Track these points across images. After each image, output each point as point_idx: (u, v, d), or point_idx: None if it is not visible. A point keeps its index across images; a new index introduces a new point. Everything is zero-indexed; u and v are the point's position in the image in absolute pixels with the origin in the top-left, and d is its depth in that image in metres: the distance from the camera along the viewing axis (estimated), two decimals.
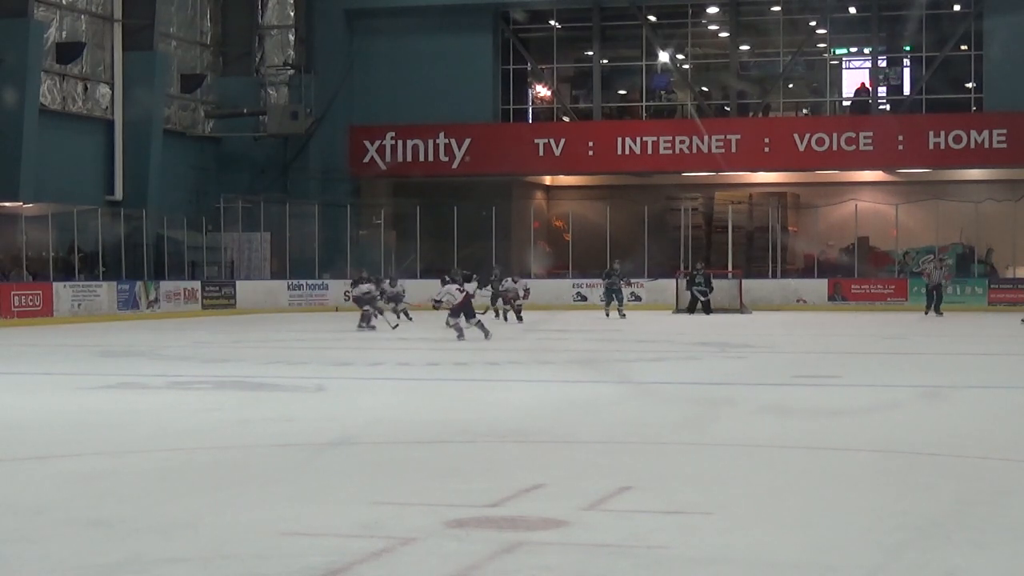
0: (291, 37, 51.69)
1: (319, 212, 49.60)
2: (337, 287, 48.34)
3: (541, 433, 13.80)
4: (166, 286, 43.01)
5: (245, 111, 50.78)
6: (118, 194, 44.64)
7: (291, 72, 51.46)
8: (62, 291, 39.20)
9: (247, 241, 49.42)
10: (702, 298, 41.69)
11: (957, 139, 48.34)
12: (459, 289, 28.68)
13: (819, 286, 46.11)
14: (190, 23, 49.87)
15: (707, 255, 49.90)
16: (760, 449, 12.61)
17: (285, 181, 51.25)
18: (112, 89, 45.01)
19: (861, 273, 46.37)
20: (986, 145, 48.14)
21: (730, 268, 45.61)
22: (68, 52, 43.17)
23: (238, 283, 46.95)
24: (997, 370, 21.87)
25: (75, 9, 43.88)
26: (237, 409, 16.26)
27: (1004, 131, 47.82)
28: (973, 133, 48.27)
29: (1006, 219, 47.18)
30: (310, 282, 48.59)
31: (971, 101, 49.96)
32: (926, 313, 36.48)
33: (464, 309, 28.44)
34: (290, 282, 48.29)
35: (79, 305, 39.34)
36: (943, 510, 9.48)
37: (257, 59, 51.98)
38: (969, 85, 49.97)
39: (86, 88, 44.54)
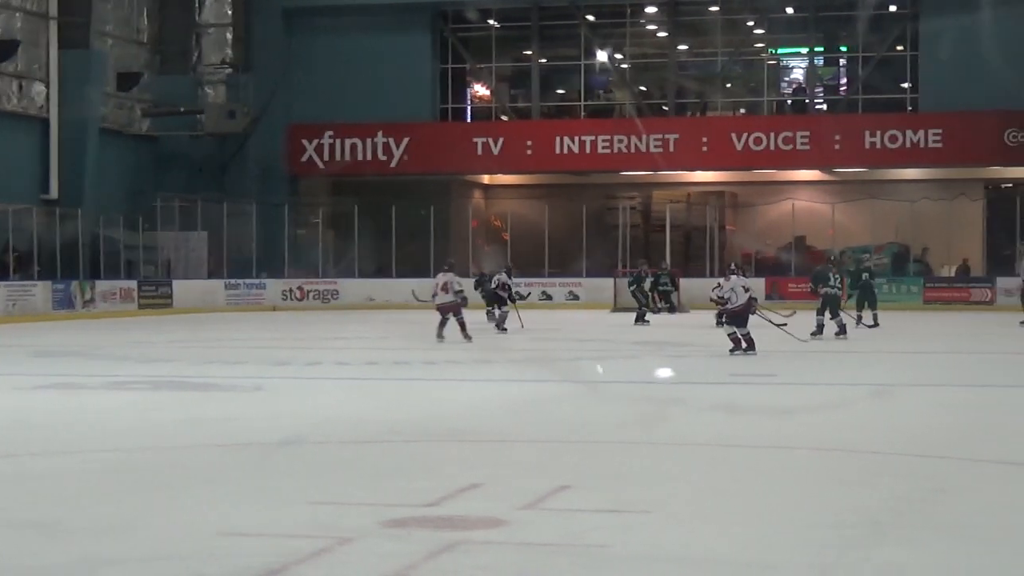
0: (229, 35, 51.44)
1: (257, 211, 49.40)
2: (274, 286, 48.24)
3: (480, 432, 13.82)
4: (102, 285, 42.67)
5: (182, 110, 50.47)
6: (53, 193, 44.29)
7: (229, 71, 51.21)
8: None
9: (184, 240, 49.13)
10: (667, 288, 42.03)
11: (893, 139, 48.65)
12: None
13: (756, 285, 46.20)
14: (127, 21, 49.50)
15: (645, 255, 50.00)
16: (701, 448, 12.67)
17: (223, 180, 50.98)
18: (47, 87, 44.65)
19: (798, 272, 46.54)
20: (921, 145, 48.47)
21: (668, 267, 45.69)
22: (3, 50, 42.75)
23: (175, 282, 46.64)
24: (935, 368, 22.02)
25: (9, 7, 43.49)
26: (175, 409, 16.20)
27: (939, 131, 48.16)
28: (909, 133, 48.58)
29: (941, 218, 47.55)
30: (248, 281, 48.37)
31: (907, 101, 50.28)
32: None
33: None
34: (227, 281, 48.04)
35: (13, 305, 38.99)
36: (880, 508, 9.56)
37: (194, 57, 51.69)
38: (905, 85, 50.29)
39: (21, 86, 44.18)
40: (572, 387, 19.30)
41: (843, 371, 21.55)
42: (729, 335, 23.73)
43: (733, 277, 24.29)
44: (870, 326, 31.17)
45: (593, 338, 30.12)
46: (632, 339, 29.46)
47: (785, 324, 26.69)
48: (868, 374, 20.90)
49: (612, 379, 20.42)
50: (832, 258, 34.75)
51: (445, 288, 27.45)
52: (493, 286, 32.73)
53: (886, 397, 17.30)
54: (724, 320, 24.43)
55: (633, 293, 37.68)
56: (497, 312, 32.28)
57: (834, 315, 27.98)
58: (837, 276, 28.91)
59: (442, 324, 27.53)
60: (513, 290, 32.95)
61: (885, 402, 16.90)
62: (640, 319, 35.78)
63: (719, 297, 24.26)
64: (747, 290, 23.95)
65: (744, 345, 23.43)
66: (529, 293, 37.94)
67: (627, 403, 17.08)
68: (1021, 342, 28.68)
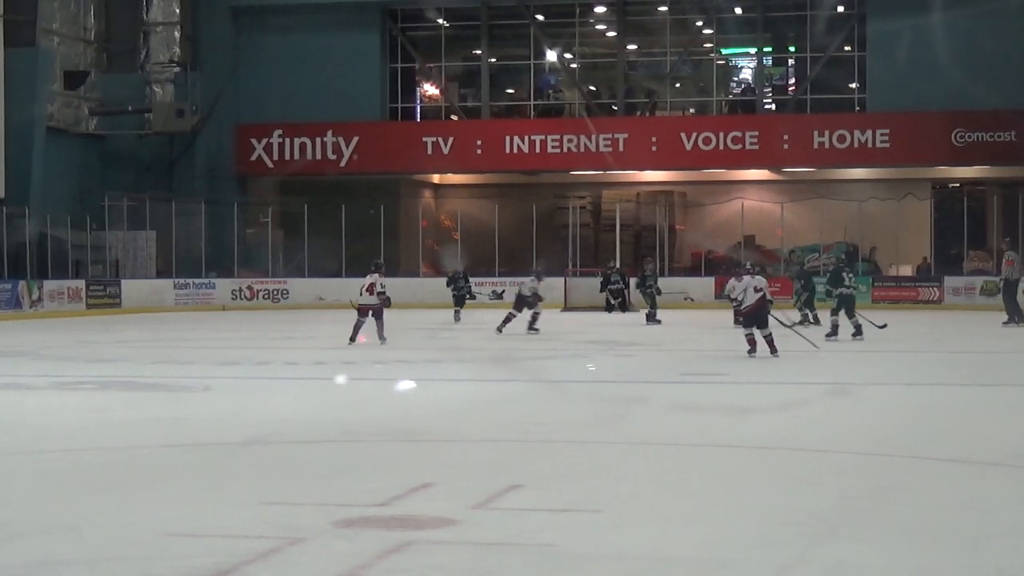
0: (176, 34, 51.24)
1: (205, 211, 49.24)
2: (224, 286, 48.07)
3: (430, 432, 13.80)
4: (49, 285, 42.41)
5: (130, 108, 50.24)
6: (0, 192, 43.99)
7: (177, 69, 51.00)
8: None
9: (132, 240, 48.92)
10: (619, 287, 42.17)
11: (841, 139, 48.90)
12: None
13: (706, 284, 46.34)
14: (73, 19, 49.22)
15: (595, 254, 50.12)
16: (654, 447, 12.69)
17: (171, 179, 50.82)
18: None
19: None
20: (869, 145, 48.74)
21: (618, 266, 45.73)
22: None
23: (123, 282, 46.42)
24: (890, 366, 22.09)
25: None
26: (123, 409, 16.10)
27: (887, 131, 48.44)
28: (857, 133, 48.84)
29: (889, 218, 47.81)
30: (197, 281, 48.19)
31: (855, 101, 50.54)
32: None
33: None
34: (176, 281, 47.86)
35: None
36: (829, 506, 9.59)
37: (142, 56, 51.48)
38: (853, 85, 50.54)
39: None
40: (525, 386, 19.32)
41: (803, 370, 21.58)
42: (746, 336, 22.99)
43: (746, 277, 23.52)
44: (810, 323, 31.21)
45: (544, 337, 30.11)
46: (583, 338, 29.48)
47: (798, 323, 26.87)
48: (828, 373, 20.92)
49: (565, 378, 20.41)
50: (791, 255, 34.81)
51: (370, 289, 26.53)
52: (528, 294, 31.40)
53: (842, 396, 17.36)
54: (740, 321, 23.75)
55: (643, 293, 37.20)
56: (529, 313, 31.39)
57: (850, 316, 27.31)
58: (851, 276, 28.38)
59: (358, 326, 26.46)
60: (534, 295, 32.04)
61: (841, 401, 16.96)
62: (651, 318, 35.34)
63: (732, 298, 23.65)
64: (758, 290, 23.00)
65: (769, 348, 22.67)
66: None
67: (579, 402, 17.08)
68: (972, 340, 28.80)
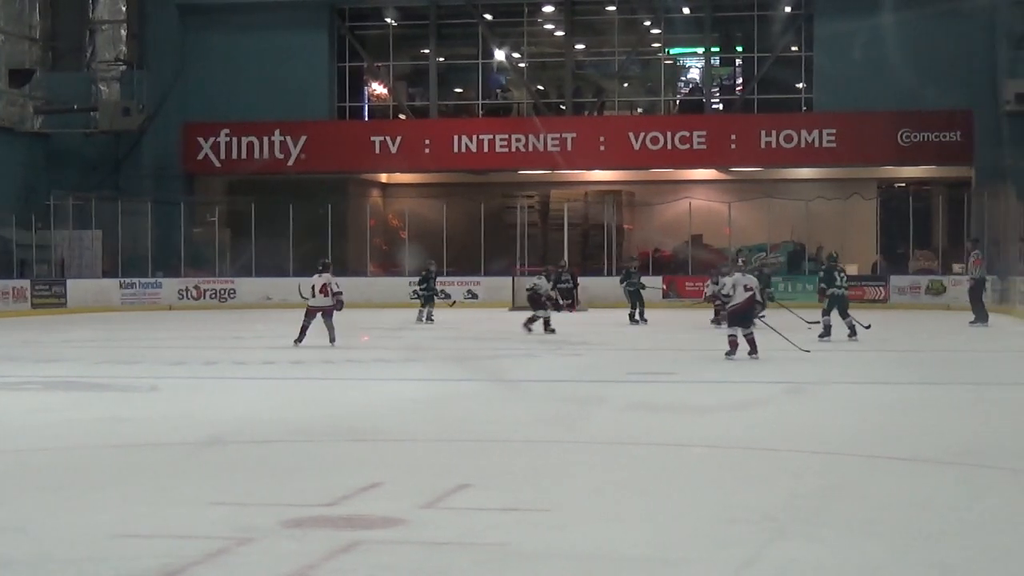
0: (123, 32, 50.92)
1: (152, 210, 49.00)
2: (170, 286, 47.86)
3: (380, 431, 13.78)
4: None
5: (76, 107, 49.93)
6: None
7: (123, 68, 50.70)
8: None
9: (78, 239, 48.63)
10: (568, 286, 42.23)
11: (788, 138, 49.09)
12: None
13: (654, 283, 46.51)
14: (18, 17, 48.87)
15: (543, 253, 50.12)
16: (603, 446, 12.70)
17: (117, 178, 50.53)
18: None
19: (695, 270, 46.82)
20: (816, 145, 48.94)
21: (567, 265, 45.78)
22: None
23: (69, 282, 46.14)
24: (844, 366, 22.13)
25: None
26: (69, 410, 16.00)
27: (833, 131, 48.65)
28: (803, 133, 49.03)
29: (835, 217, 48.06)
30: (143, 280, 47.96)
31: (802, 101, 50.73)
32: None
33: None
34: (122, 281, 47.62)
35: None
36: (777, 504, 9.62)
37: (88, 54, 51.16)
38: (800, 85, 50.74)
39: None
40: (476, 385, 19.29)
41: (756, 370, 21.59)
42: (728, 336, 22.34)
43: (737, 274, 22.83)
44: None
45: (494, 336, 30.12)
46: (532, 337, 29.49)
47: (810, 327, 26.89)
48: (781, 373, 20.91)
49: (517, 378, 20.39)
50: (738, 257, 34.67)
51: (324, 291, 25.67)
52: (542, 293, 31.04)
53: (795, 395, 17.41)
54: (725, 320, 23.05)
55: (627, 292, 36.86)
56: (555, 310, 30.72)
57: (843, 316, 26.91)
58: (844, 276, 28.04)
59: (306, 328, 25.51)
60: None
61: (794, 400, 17.03)
62: (638, 318, 34.86)
63: (723, 295, 22.93)
64: (748, 289, 22.32)
65: (750, 349, 22.07)
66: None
67: (533, 402, 17.09)
68: (919, 339, 28.92)
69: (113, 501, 9.71)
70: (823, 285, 27.62)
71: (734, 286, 22.36)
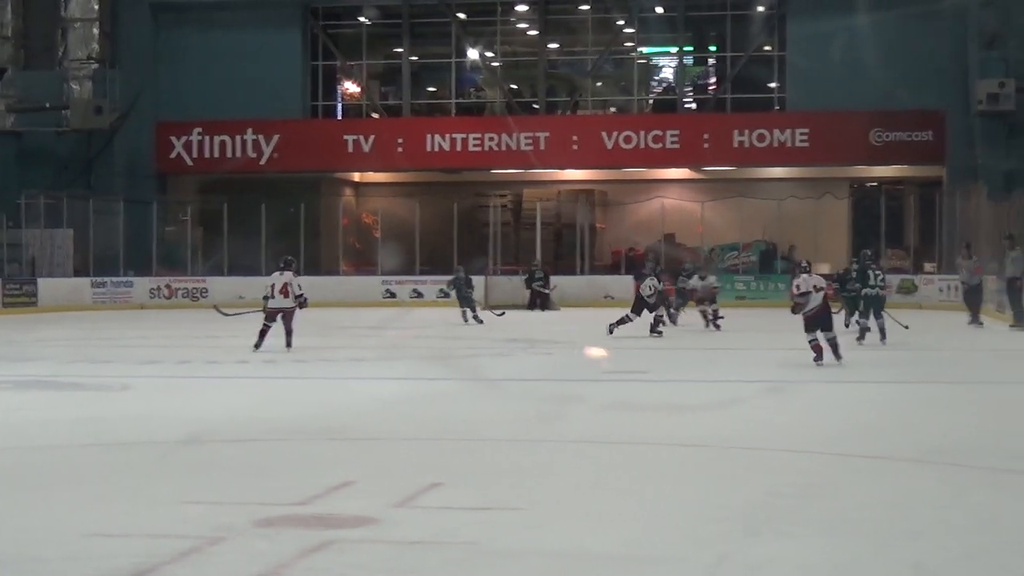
0: (95, 30, 50.73)
1: (124, 209, 48.78)
2: (142, 284, 47.74)
3: (353, 430, 13.78)
4: None
5: (47, 105, 49.76)
6: None
7: (95, 66, 50.51)
8: None
9: (49, 238, 48.41)
10: (543, 290, 42.43)
11: (761, 138, 49.18)
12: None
13: (627, 282, 46.28)
14: None
15: (516, 252, 50.16)
16: (576, 444, 12.72)
17: (89, 177, 50.33)
18: None
19: (668, 270, 46.89)
20: (788, 144, 49.04)
21: (540, 264, 45.80)
22: None
23: (40, 281, 45.99)
24: (810, 366, 22.15)
25: None
26: (41, 409, 15.97)
27: (806, 131, 48.76)
28: (776, 132, 49.13)
29: (808, 217, 48.10)
30: (115, 279, 47.80)
31: (775, 100, 50.82)
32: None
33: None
34: (94, 279, 47.45)
35: None
36: (753, 502, 9.67)
37: (60, 52, 50.95)
38: (773, 85, 50.83)
39: None
40: (451, 384, 19.29)
41: (734, 369, 21.63)
42: (810, 343, 20.87)
43: (804, 275, 21.33)
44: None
45: (467, 335, 30.15)
46: (504, 336, 29.50)
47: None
48: (759, 371, 20.90)
49: (494, 377, 20.40)
50: (711, 253, 34.56)
51: (284, 291, 23.84)
52: (649, 293, 28.88)
53: (775, 394, 17.40)
54: (804, 327, 21.02)
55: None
56: (651, 316, 29.07)
57: (877, 317, 25.68)
58: (879, 274, 26.50)
59: (264, 332, 23.97)
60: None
61: (772, 399, 17.02)
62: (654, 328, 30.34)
63: (796, 297, 21.18)
64: (819, 290, 20.95)
65: (834, 353, 20.80)
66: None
67: (510, 401, 17.09)
68: (893, 336, 28.97)
69: (87, 500, 9.71)
70: (858, 284, 26.58)
71: (809, 289, 20.93)
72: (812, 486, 10.47)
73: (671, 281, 32.67)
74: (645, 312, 28.77)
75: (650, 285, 29.07)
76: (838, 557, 7.92)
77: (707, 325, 31.12)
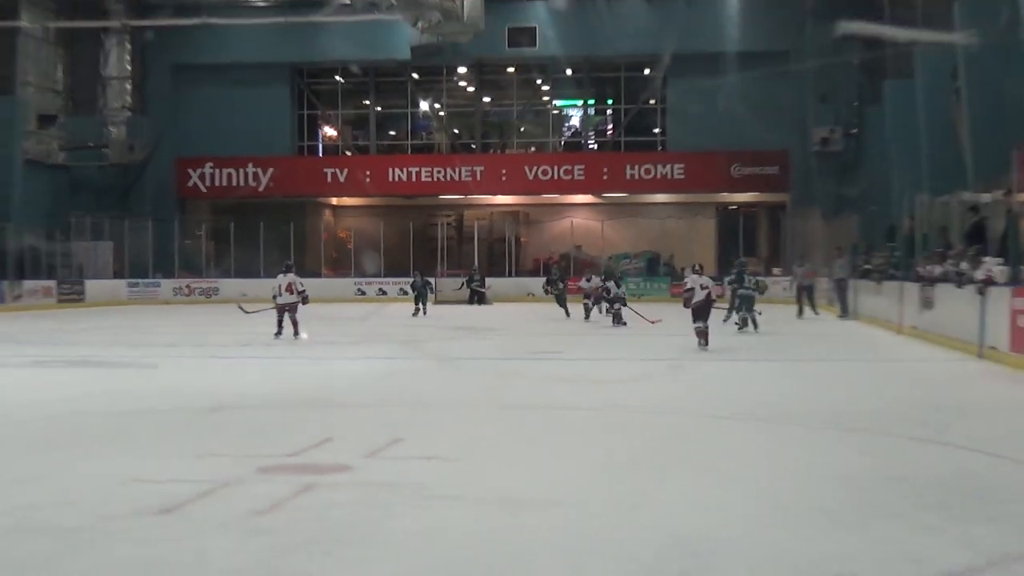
0: (128, 85, 50.35)
1: (152, 226, 48.53)
2: (167, 285, 47.51)
3: (331, 399, 13.74)
4: (28, 284, 41.59)
5: (91, 145, 49.36)
6: None
7: (128, 114, 50.17)
8: None
9: (93, 249, 48.17)
10: (480, 289, 42.65)
11: (647, 171, 49.39)
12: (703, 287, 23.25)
13: (543, 282, 46.57)
14: (46, 73, 48.24)
15: (459, 260, 50.12)
16: (511, 410, 12.73)
17: (125, 201, 50.00)
18: None
19: (576, 272, 46.96)
20: (668, 176, 49.30)
21: (478, 269, 45.77)
22: None
23: (86, 282, 45.72)
24: (696, 349, 22.22)
25: None
26: (86, 383, 15.84)
27: (682, 165, 49.05)
28: (659, 166, 49.38)
29: (683, 232, 48.43)
30: (145, 281, 47.55)
31: (658, 142, 51.05)
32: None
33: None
34: (129, 281, 47.26)
35: None
36: (639, 452, 9.70)
37: (100, 103, 50.50)
38: (656, 130, 51.07)
39: None
40: (407, 362, 19.25)
41: (647, 350, 21.55)
42: (695, 329, 20.48)
43: (693, 275, 21.07)
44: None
45: (421, 324, 30.10)
46: (452, 324, 29.49)
47: (660, 321, 26.60)
48: (667, 351, 20.78)
49: (444, 356, 20.38)
50: (610, 260, 34.53)
51: (289, 289, 23.43)
52: (608, 293, 28.62)
53: (674, 371, 17.28)
54: (692, 318, 20.52)
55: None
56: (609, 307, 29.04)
57: (749, 311, 25.79)
58: (752, 278, 26.67)
59: (281, 320, 23.48)
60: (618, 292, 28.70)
61: (671, 374, 16.94)
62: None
63: (683, 292, 20.91)
64: (704, 288, 20.47)
65: (703, 338, 20.44)
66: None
67: (456, 375, 17.09)
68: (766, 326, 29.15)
69: (121, 455, 9.64)
70: (735, 285, 26.66)
71: (694, 286, 20.58)
72: (682, 438, 10.52)
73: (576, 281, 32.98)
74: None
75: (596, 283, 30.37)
76: (700, 492, 7.97)
77: (593, 314, 31.16)
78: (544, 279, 37.11)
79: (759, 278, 27.54)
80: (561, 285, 34.56)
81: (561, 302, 33.69)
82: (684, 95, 47.88)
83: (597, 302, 30.69)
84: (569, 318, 31.54)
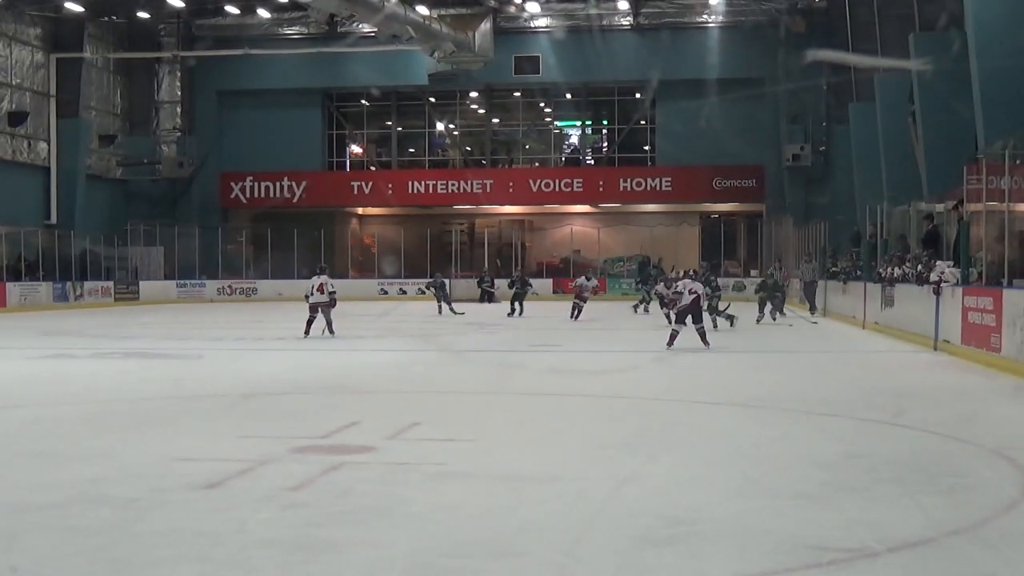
0: (178, 109, 50.41)
1: (199, 233, 48.64)
2: (212, 285, 47.61)
3: (358, 386, 13.75)
4: (88, 285, 41.69)
5: (145, 161, 49.43)
6: (53, 219, 43.14)
7: (178, 134, 50.26)
8: (12, 289, 37.67)
9: (147, 253, 48.34)
10: (490, 289, 42.65)
11: (638, 184, 49.35)
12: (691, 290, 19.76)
13: (547, 283, 46.61)
14: (106, 98, 48.28)
15: (471, 263, 50.10)
16: (518, 396, 12.74)
17: (175, 211, 50.08)
18: (48, 145, 43.49)
19: (575, 274, 46.94)
20: (658, 189, 49.25)
21: (488, 271, 45.76)
22: (16, 118, 41.57)
23: (141, 282, 45.81)
24: (687, 343, 22.17)
25: (21, 88, 42.26)
26: (141, 371, 15.87)
27: (670, 179, 48.99)
28: (649, 179, 49.33)
29: (671, 238, 48.36)
30: (192, 281, 47.61)
31: (647, 158, 51.00)
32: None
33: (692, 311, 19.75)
34: (178, 281, 47.32)
35: (25, 299, 37.86)
36: (630, 434, 9.70)
37: (154, 124, 50.59)
38: (646, 147, 51.02)
39: (30, 144, 42.89)
40: (424, 354, 19.25)
41: (636, 343, 21.59)
42: (673, 330, 19.29)
43: (685, 280, 20.00)
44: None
45: (437, 320, 30.10)
46: (464, 321, 29.48)
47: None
48: (652, 344, 20.75)
49: (456, 349, 20.38)
50: (605, 264, 34.49)
51: (321, 289, 22.43)
52: (661, 291, 25.81)
53: (659, 363, 17.25)
54: (670, 315, 19.89)
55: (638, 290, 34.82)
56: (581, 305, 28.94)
57: (715, 312, 24.45)
58: (715, 282, 25.87)
59: (311, 322, 22.43)
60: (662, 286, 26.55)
61: (656, 365, 16.91)
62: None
63: (676, 292, 19.61)
64: (692, 292, 19.09)
65: (702, 340, 19.22)
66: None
67: (474, 366, 17.09)
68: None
69: (172, 436, 9.67)
70: (707, 289, 24.88)
71: (680, 290, 19.39)
72: (672, 423, 10.53)
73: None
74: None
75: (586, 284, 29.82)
76: (689, 472, 7.96)
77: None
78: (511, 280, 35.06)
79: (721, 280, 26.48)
80: (527, 287, 33.43)
81: (519, 299, 32.43)
82: (671, 116, 47.83)
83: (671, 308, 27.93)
84: (512, 317, 30.86)
